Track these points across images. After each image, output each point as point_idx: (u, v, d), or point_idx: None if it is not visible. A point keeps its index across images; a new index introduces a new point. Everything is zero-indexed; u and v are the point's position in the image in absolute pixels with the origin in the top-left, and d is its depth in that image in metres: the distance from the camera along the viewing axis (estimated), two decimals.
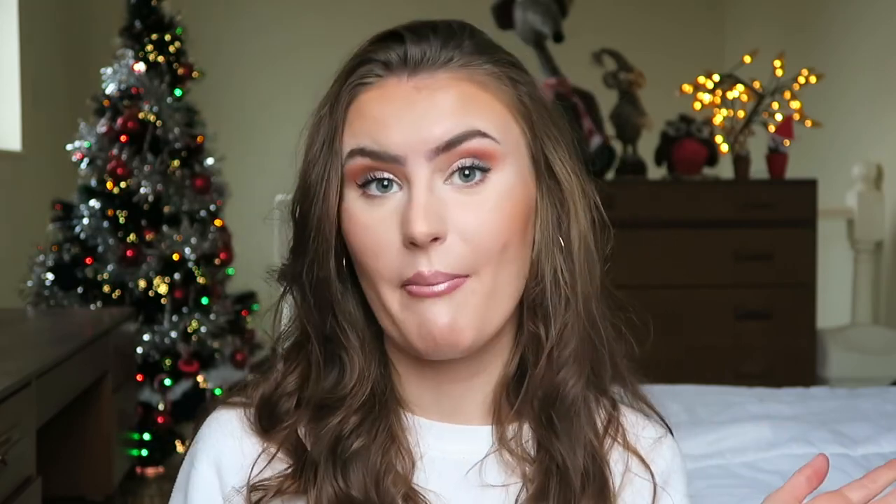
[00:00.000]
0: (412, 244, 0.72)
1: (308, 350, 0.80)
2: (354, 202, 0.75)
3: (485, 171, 0.74)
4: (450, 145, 0.73)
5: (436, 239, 0.72)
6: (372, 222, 0.74)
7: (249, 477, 0.78)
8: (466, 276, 0.73)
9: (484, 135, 0.74)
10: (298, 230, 0.79)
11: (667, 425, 0.86)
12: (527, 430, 0.80)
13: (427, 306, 0.73)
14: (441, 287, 0.73)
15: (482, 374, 0.80)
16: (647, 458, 0.83)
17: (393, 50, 0.76)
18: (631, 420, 0.84)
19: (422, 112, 0.74)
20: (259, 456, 0.79)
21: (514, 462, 0.79)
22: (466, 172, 0.74)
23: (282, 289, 0.83)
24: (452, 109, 0.74)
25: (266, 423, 0.80)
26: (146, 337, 3.58)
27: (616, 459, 0.82)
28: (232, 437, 0.80)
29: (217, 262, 3.77)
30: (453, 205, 0.73)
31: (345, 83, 0.77)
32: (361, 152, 0.74)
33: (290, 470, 0.78)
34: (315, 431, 0.78)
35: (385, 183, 0.74)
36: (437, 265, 0.73)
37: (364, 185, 0.75)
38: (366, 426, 0.78)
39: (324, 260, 0.77)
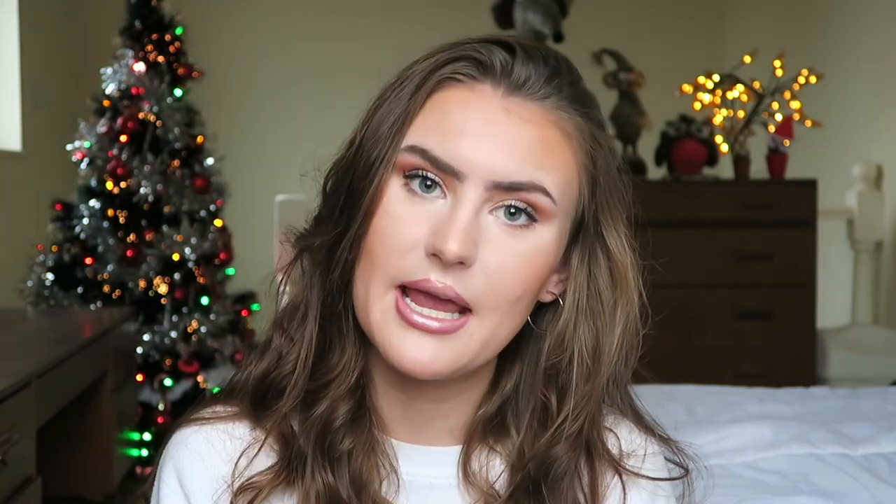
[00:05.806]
0: (435, 257, 0.70)
1: (307, 326, 0.77)
2: (394, 190, 0.72)
3: (533, 219, 0.72)
4: (511, 188, 0.70)
5: (461, 263, 0.70)
6: (405, 217, 0.71)
7: (233, 476, 0.76)
8: (470, 311, 0.71)
9: (546, 194, 0.71)
10: (338, 201, 0.75)
11: (660, 436, 0.83)
12: (497, 463, 0.78)
13: (412, 335, 0.71)
14: (435, 325, 0.70)
15: (453, 399, 0.78)
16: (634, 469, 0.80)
17: (499, 57, 0.72)
18: (620, 436, 0.82)
19: (501, 139, 0.70)
20: (242, 453, 0.76)
21: (477, 494, 0.77)
22: (512, 211, 0.71)
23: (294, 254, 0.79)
24: (529, 152, 0.71)
25: (259, 408, 0.77)
26: (146, 337, 3.58)
27: (608, 484, 0.79)
28: (199, 459, 0.77)
29: (217, 262, 3.77)
30: (491, 238, 0.71)
31: (435, 69, 0.73)
32: (423, 154, 0.71)
33: (278, 463, 0.76)
34: (303, 419, 0.76)
35: (429, 184, 0.71)
36: (450, 282, 0.70)
37: (409, 178, 0.71)
38: (355, 427, 0.76)
39: (356, 240, 0.73)
